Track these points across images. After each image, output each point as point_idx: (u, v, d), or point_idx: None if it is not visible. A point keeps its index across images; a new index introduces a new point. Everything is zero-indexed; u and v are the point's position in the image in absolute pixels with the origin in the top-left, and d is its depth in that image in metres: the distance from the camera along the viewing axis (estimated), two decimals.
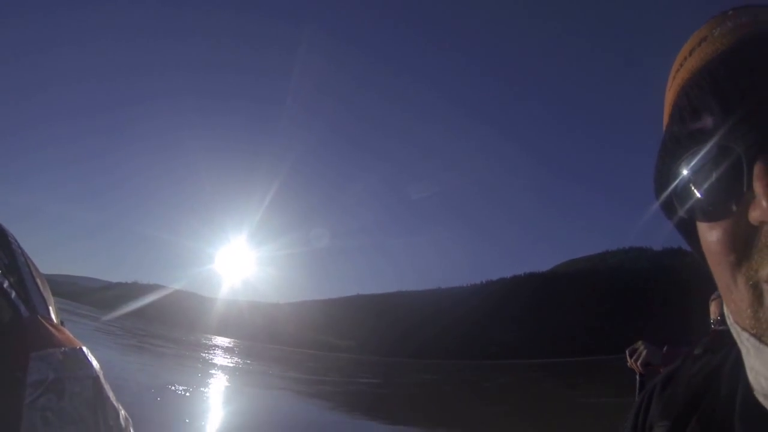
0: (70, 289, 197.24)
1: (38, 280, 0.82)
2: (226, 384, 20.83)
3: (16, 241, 0.86)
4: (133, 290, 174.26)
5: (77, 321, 44.64)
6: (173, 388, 15.96)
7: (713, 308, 2.36)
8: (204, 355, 40.29)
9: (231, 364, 32.93)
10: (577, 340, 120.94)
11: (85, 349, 0.72)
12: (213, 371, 26.63)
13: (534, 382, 39.61)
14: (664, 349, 2.04)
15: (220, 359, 37.14)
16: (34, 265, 0.85)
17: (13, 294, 0.73)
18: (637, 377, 2.03)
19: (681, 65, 0.41)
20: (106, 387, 0.70)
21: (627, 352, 2.13)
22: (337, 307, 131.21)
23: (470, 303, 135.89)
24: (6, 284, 0.73)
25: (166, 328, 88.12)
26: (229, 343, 77.74)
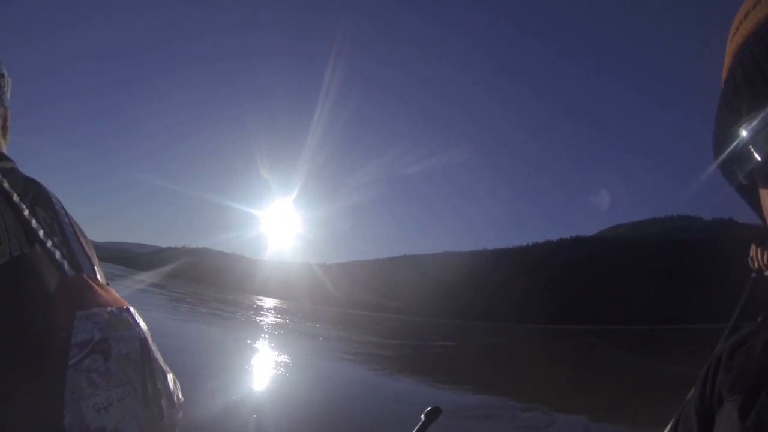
0: (121, 255, 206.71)
1: (83, 241, 0.83)
2: (305, 351, 19.74)
3: (59, 202, 0.86)
4: (183, 254, 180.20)
5: (126, 283, 45.05)
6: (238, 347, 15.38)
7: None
8: (263, 318, 39.37)
9: (305, 329, 31.60)
10: (625, 307, 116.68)
11: (132, 309, 0.71)
12: (282, 333, 25.35)
13: (598, 348, 38.07)
14: None
15: (287, 321, 36.10)
16: (78, 226, 0.86)
17: (57, 253, 0.73)
18: (753, 275, 1.73)
19: (737, 29, 0.40)
20: (154, 348, 0.69)
21: (753, 244, 1.75)
22: (384, 267, 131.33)
23: (516, 265, 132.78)
24: (50, 244, 0.73)
25: (214, 290, 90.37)
26: (281, 303, 78.20)
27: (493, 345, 36.40)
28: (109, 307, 0.68)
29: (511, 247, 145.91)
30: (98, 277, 0.78)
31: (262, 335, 22.77)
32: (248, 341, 18.70)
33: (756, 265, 1.77)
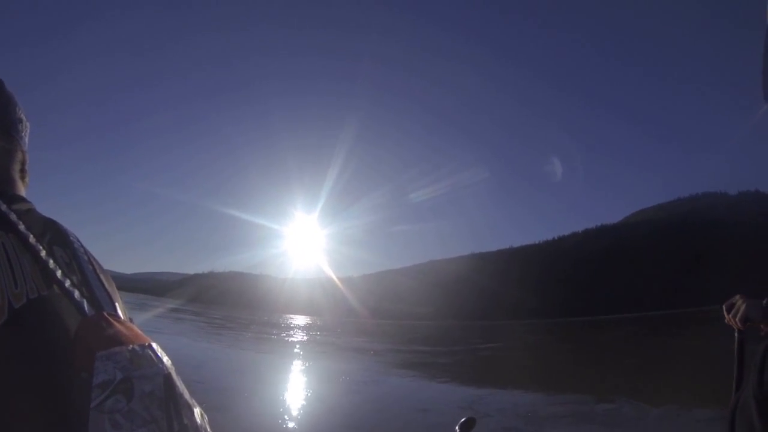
0: (151, 285, 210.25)
1: (102, 277, 0.82)
2: (356, 365, 19.98)
3: (78, 240, 0.86)
4: (211, 278, 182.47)
5: (160, 312, 45.64)
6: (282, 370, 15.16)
7: None
8: (304, 336, 39.57)
9: (350, 345, 31.66)
10: (659, 294, 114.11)
11: (155, 345, 0.69)
12: (321, 350, 25.41)
13: (646, 336, 37.47)
14: (765, 302, 1.69)
15: (331, 338, 36.23)
16: (97, 263, 0.86)
17: (76, 293, 0.72)
18: (736, 334, 1.79)
19: None
20: (180, 383, 0.67)
21: (724, 307, 1.81)
22: (411, 275, 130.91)
23: (544, 260, 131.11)
24: (68, 283, 0.72)
25: (247, 312, 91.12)
26: (314, 320, 78.53)
27: (540, 342, 36.10)
28: (131, 345, 0.65)
29: (537, 242, 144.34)
30: (119, 314, 0.76)
31: (312, 355, 22.89)
32: (307, 363, 18.88)
33: (736, 326, 1.80)
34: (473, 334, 46.81)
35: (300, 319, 77.93)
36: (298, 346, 27.48)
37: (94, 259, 0.86)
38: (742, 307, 1.79)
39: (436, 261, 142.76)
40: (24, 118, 0.95)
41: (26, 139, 0.96)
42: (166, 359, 0.68)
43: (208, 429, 0.71)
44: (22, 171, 0.93)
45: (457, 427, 1.43)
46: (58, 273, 0.73)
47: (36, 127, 0.97)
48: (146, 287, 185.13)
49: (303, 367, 17.47)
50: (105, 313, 0.71)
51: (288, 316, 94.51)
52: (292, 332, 39.85)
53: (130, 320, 0.77)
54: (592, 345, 33.18)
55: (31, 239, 0.74)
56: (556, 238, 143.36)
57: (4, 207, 0.76)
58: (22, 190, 0.91)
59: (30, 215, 0.83)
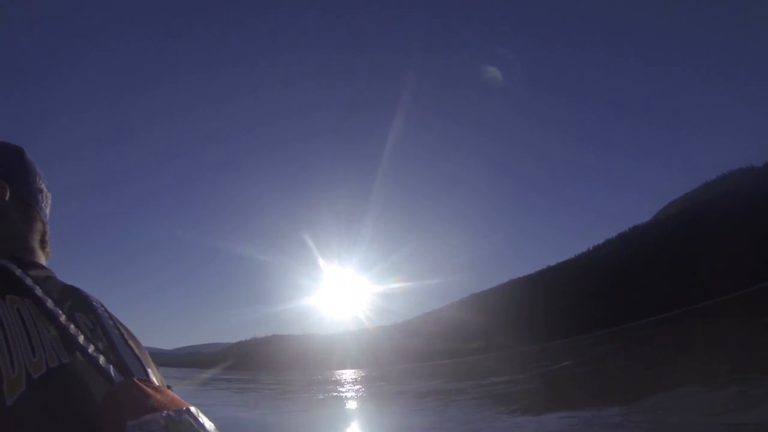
0: (193, 359, 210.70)
1: (132, 343, 0.78)
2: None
3: (102, 305, 0.83)
4: (254, 345, 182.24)
5: (198, 383, 45.24)
6: None
7: None
8: (372, 387, 38.68)
9: (421, 390, 30.91)
10: (713, 281, 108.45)
11: (193, 409, 0.64)
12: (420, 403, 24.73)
13: (724, 326, 35.59)
14: None
15: (399, 387, 35.40)
16: (126, 328, 0.82)
17: (102, 359, 0.67)
18: None
19: None
20: None
21: None
22: (455, 311, 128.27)
23: (584, 272, 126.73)
24: (92, 349, 0.68)
25: (304, 373, 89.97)
26: (367, 371, 77.04)
27: (613, 351, 34.96)
28: (166, 411, 0.60)
29: (573, 256, 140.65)
30: (152, 379, 0.70)
31: (395, 407, 22.32)
32: (398, 414, 18.45)
33: None
34: (538, 357, 45.31)
35: (351, 373, 76.60)
36: (370, 398, 26.90)
37: (122, 324, 0.82)
38: None
39: (477, 294, 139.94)
40: (45, 189, 0.93)
41: (47, 210, 0.94)
42: (208, 424, 0.62)
43: None
44: (43, 241, 0.90)
45: None
46: (80, 338, 0.68)
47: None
48: (190, 361, 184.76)
49: (398, 422, 16.98)
50: (136, 379, 0.66)
51: (339, 372, 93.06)
52: (351, 386, 39.09)
53: (168, 387, 0.71)
54: (673, 345, 31.59)
55: (49, 304, 0.70)
56: (590, 248, 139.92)
57: (19, 271, 0.73)
58: (42, 260, 0.87)
59: (49, 282, 0.79)
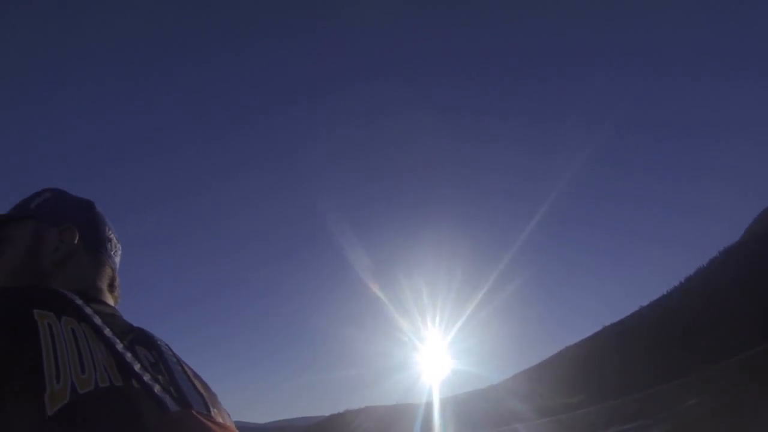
0: None
1: (197, 383, 0.78)
2: None
3: (168, 346, 0.84)
4: (346, 418, 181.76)
5: None
6: None
7: None
8: None
9: None
10: None
11: None
12: None
13: None
14: None
15: None
16: (191, 368, 0.83)
17: (157, 387, 0.66)
18: None
19: None
20: None
21: None
22: (551, 367, 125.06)
23: (679, 306, 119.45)
24: (147, 377, 0.67)
25: None
26: None
27: (737, 381, 32.85)
28: None
29: (665, 293, 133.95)
30: (214, 416, 0.69)
31: None
32: None
33: None
34: (649, 405, 44.08)
35: None
36: None
37: (186, 364, 0.82)
38: None
39: (572, 346, 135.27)
40: (114, 239, 0.98)
41: (116, 259, 0.98)
42: None
43: None
44: (111, 286, 0.93)
45: None
46: (136, 366, 0.67)
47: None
48: None
49: None
50: (194, 411, 0.63)
51: None
52: None
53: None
54: None
55: (107, 332, 0.69)
56: (683, 280, 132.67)
57: (79, 301, 0.73)
58: (110, 301, 0.91)
59: (113, 318, 0.81)
